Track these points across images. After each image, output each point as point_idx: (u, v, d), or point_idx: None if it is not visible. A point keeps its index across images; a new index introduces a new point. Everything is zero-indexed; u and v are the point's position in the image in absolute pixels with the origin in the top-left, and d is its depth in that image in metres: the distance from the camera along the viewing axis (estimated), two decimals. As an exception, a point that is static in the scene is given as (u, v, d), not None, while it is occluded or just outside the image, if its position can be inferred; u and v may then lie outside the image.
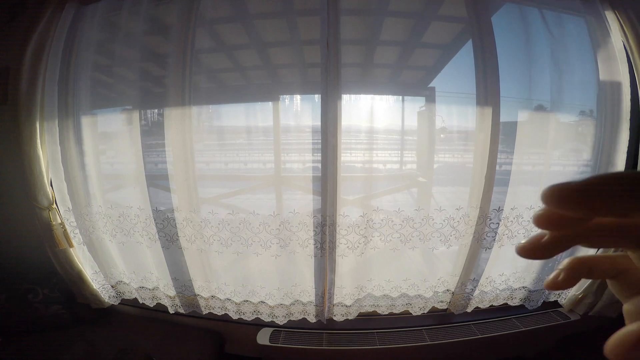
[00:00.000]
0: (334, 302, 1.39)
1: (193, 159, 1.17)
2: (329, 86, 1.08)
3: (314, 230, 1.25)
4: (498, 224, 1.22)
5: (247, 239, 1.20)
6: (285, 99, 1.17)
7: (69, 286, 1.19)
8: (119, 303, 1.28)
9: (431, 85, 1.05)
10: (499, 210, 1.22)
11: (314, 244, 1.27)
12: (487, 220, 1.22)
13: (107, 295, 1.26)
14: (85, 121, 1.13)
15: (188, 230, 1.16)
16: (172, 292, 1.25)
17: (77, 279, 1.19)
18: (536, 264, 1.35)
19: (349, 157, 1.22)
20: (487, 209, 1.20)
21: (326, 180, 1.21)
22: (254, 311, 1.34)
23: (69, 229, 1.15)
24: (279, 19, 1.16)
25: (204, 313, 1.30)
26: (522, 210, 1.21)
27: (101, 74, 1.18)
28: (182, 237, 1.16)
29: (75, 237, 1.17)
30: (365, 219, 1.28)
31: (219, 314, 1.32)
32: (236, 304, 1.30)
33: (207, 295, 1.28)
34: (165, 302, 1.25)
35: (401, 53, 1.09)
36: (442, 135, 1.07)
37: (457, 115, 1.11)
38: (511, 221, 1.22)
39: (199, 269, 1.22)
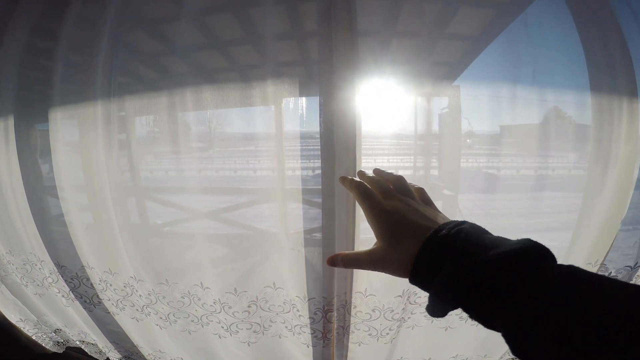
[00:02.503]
0: (346, 385, 0.92)
1: (125, 172, 0.69)
2: (333, 85, 0.50)
3: (310, 318, 0.71)
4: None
5: (200, 317, 0.74)
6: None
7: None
8: (64, 351, 1.01)
9: (455, 83, 0.71)
10: (635, 267, 0.69)
11: (312, 333, 0.75)
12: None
13: (49, 342, 0.99)
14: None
15: (110, 293, 0.74)
16: (116, 355, 0.91)
17: (6, 323, 0.93)
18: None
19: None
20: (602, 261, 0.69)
21: (333, 230, 0.65)
22: (231, 387, 0.94)
23: (-30, 270, 0.84)
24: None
25: (166, 378, 0.96)
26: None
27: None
28: (105, 300, 0.75)
29: (-18, 281, 0.86)
30: (404, 299, 0.72)
31: (186, 380, 0.96)
32: (204, 378, 0.92)
33: (164, 364, 0.91)
34: (115, 361, 0.93)
35: (421, 46, 0.66)
36: (468, 140, 0.77)
37: (487, 119, 0.75)
38: (637, 277, 0.70)
39: (141, 338, 0.83)
